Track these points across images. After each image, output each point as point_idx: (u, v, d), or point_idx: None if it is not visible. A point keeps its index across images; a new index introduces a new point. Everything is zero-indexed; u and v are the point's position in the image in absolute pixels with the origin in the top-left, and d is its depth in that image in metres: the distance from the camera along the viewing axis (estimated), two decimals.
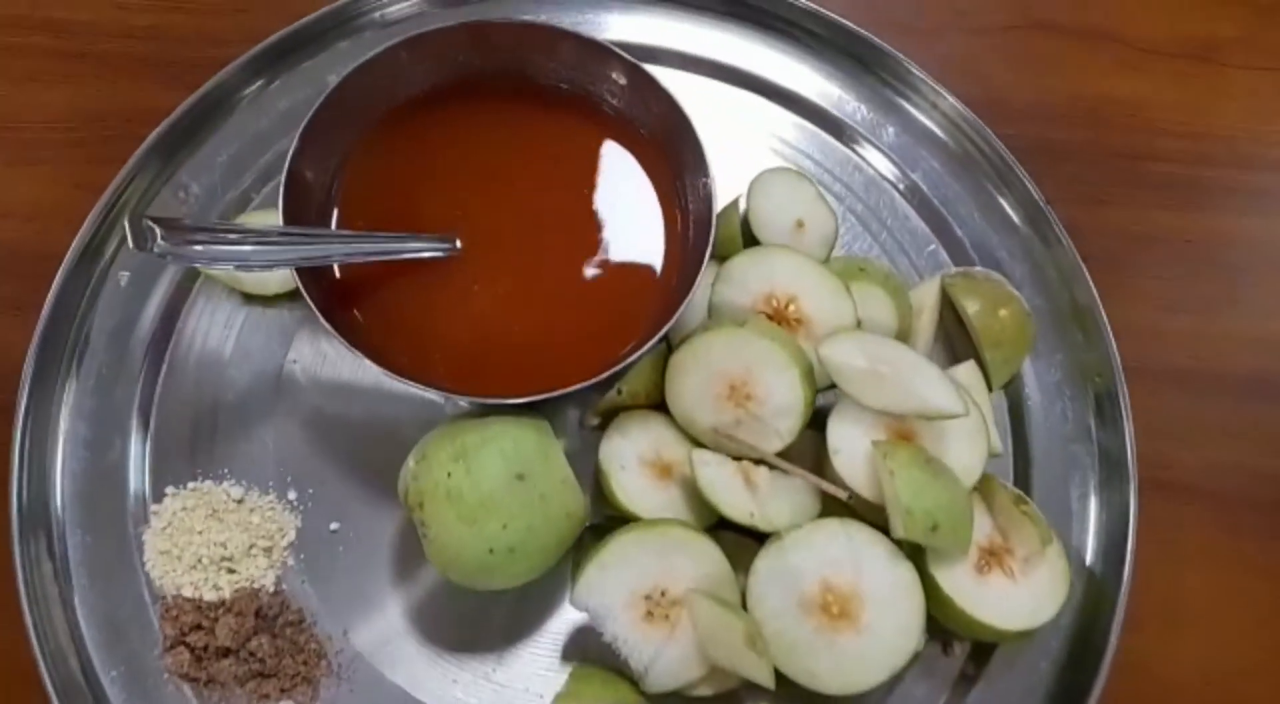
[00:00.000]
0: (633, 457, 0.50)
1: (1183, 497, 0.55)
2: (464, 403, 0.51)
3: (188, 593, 0.48)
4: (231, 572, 0.48)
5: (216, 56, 0.59)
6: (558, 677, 0.48)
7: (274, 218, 0.48)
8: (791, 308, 0.52)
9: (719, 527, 0.49)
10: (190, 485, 0.51)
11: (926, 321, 0.55)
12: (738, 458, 0.50)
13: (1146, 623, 0.52)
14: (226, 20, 0.65)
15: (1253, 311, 0.61)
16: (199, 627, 0.46)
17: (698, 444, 0.50)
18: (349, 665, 0.48)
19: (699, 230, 0.50)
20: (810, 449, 0.51)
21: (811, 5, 0.62)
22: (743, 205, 0.56)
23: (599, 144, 0.53)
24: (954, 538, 0.46)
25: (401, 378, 0.45)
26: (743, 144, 0.60)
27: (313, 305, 0.46)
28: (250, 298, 0.55)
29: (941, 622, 0.48)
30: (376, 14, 0.62)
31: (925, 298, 0.56)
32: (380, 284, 0.51)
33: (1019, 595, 0.47)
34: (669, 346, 0.51)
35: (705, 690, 0.47)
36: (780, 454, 0.49)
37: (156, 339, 0.54)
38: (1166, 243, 0.62)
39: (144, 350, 0.53)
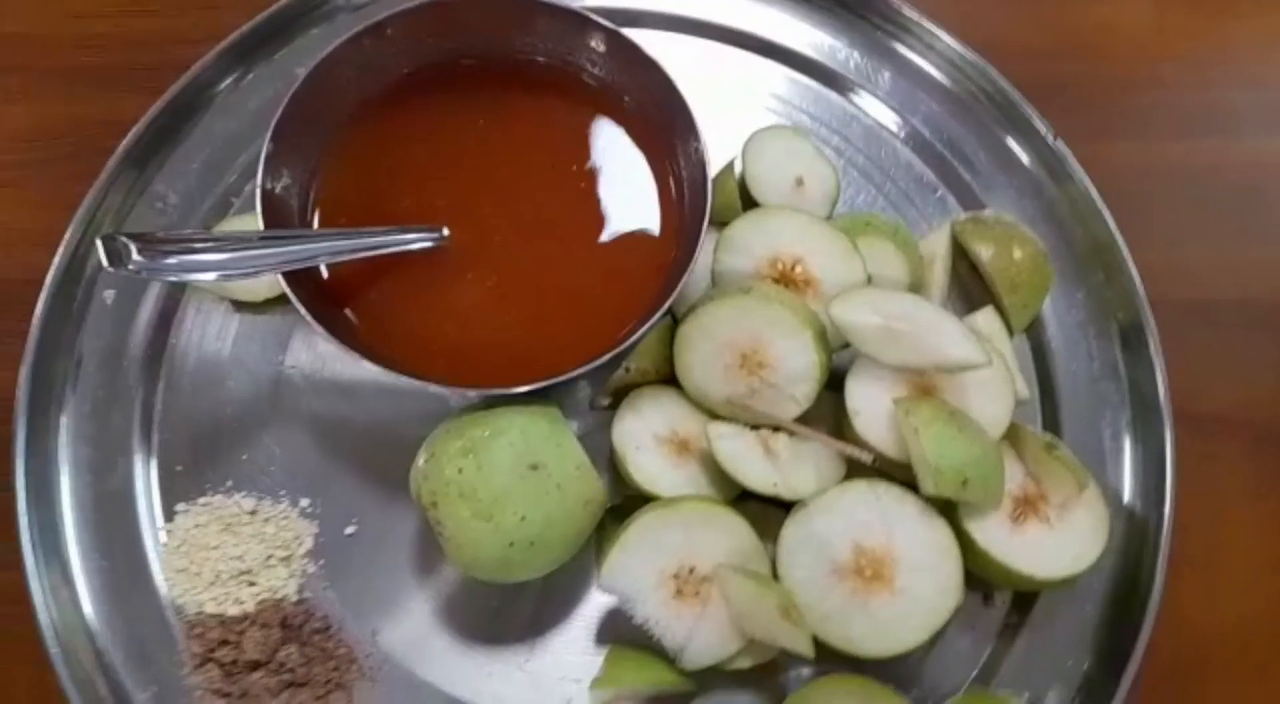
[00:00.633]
0: (648, 435, 0.49)
1: (1217, 430, 0.54)
2: (471, 394, 0.50)
3: (210, 609, 0.47)
4: (252, 584, 0.47)
5: (183, 57, 0.57)
6: (593, 660, 0.47)
7: (257, 222, 0.46)
8: (798, 269, 0.50)
9: (742, 498, 0.48)
10: (201, 501, 0.50)
11: (939, 271, 0.53)
12: (755, 427, 0.48)
13: (1188, 564, 0.51)
14: (191, 19, 0.62)
15: (1275, 236, 0.59)
16: (225, 642, 0.46)
17: (713, 417, 0.49)
18: (380, 667, 0.47)
19: (695, 197, 0.48)
20: (830, 412, 0.49)
21: None
22: (739, 168, 0.54)
23: (584, 118, 0.51)
24: (985, 491, 0.44)
25: (401, 374, 0.44)
26: (734, 104, 0.57)
27: (302, 309, 0.44)
28: (241, 305, 0.53)
29: (980, 575, 0.47)
30: None
31: (936, 247, 0.54)
32: (370, 282, 0.49)
33: (1058, 543, 0.46)
34: (675, 320, 0.50)
35: (744, 663, 0.46)
36: (798, 420, 0.48)
37: (149, 356, 0.52)
38: (1180, 172, 0.60)
39: (138, 369, 0.52)
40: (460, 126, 0.51)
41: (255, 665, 0.46)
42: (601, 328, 0.47)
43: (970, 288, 0.54)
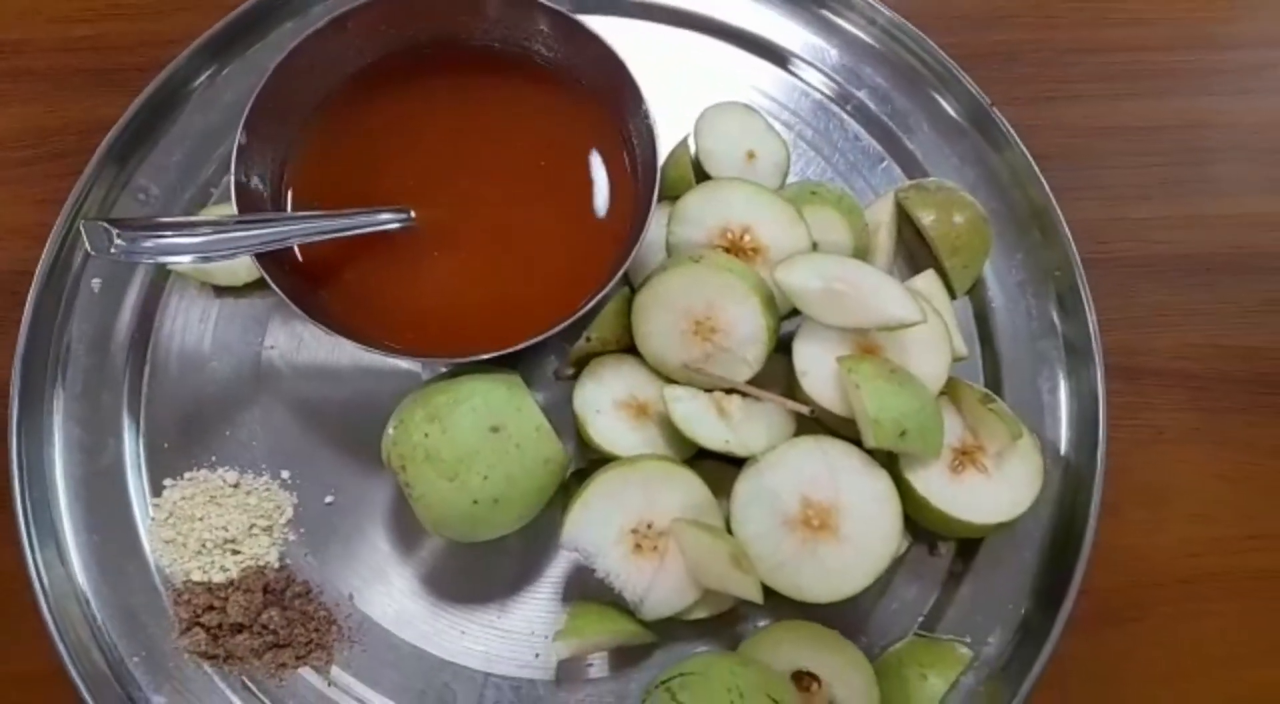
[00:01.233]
0: (607, 400, 0.51)
1: (1156, 380, 0.56)
2: (442, 367, 0.53)
3: (196, 577, 0.49)
4: (236, 552, 0.50)
5: (161, 58, 0.59)
6: (559, 618, 0.50)
7: (233, 210, 0.49)
8: (747, 238, 0.52)
9: (697, 458, 0.50)
10: (187, 475, 0.52)
11: (884, 237, 0.56)
12: (709, 390, 0.51)
13: (1129, 507, 0.54)
14: (168, 21, 0.65)
15: (1219, 191, 0.61)
16: (211, 607, 0.48)
17: (670, 382, 0.51)
18: (359, 628, 0.50)
19: (646, 170, 0.51)
20: (781, 374, 0.52)
21: None
22: (692, 145, 0.56)
23: (539, 98, 0.54)
24: (924, 442, 0.47)
25: (371, 347, 0.47)
26: (686, 84, 0.60)
27: (277, 288, 0.47)
28: (222, 290, 0.56)
29: (923, 524, 0.49)
30: None
31: (881, 214, 0.56)
32: (342, 264, 0.51)
33: (994, 490, 0.48)
34: (632, 290, 0.53)
35: (701, 613, 0.48)
36: (750, 382, 0.50)
37: (136, 340, 0.55)
38: (1126, 133, 0.62)
39: (125, 353, 0.55)
40: (423, 112, 0.53)
41: (239, 628, 0.48)
42: (562, 298, 0.50)
43: (915, 253, 0.56)
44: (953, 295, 0.55)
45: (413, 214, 0.51)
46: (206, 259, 0.52)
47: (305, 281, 0.51)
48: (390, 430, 0.47)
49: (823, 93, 0.60)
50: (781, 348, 0.51)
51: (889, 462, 0.48)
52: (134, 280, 0.56)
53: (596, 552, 0.47)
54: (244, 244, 0.48)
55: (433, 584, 0.51)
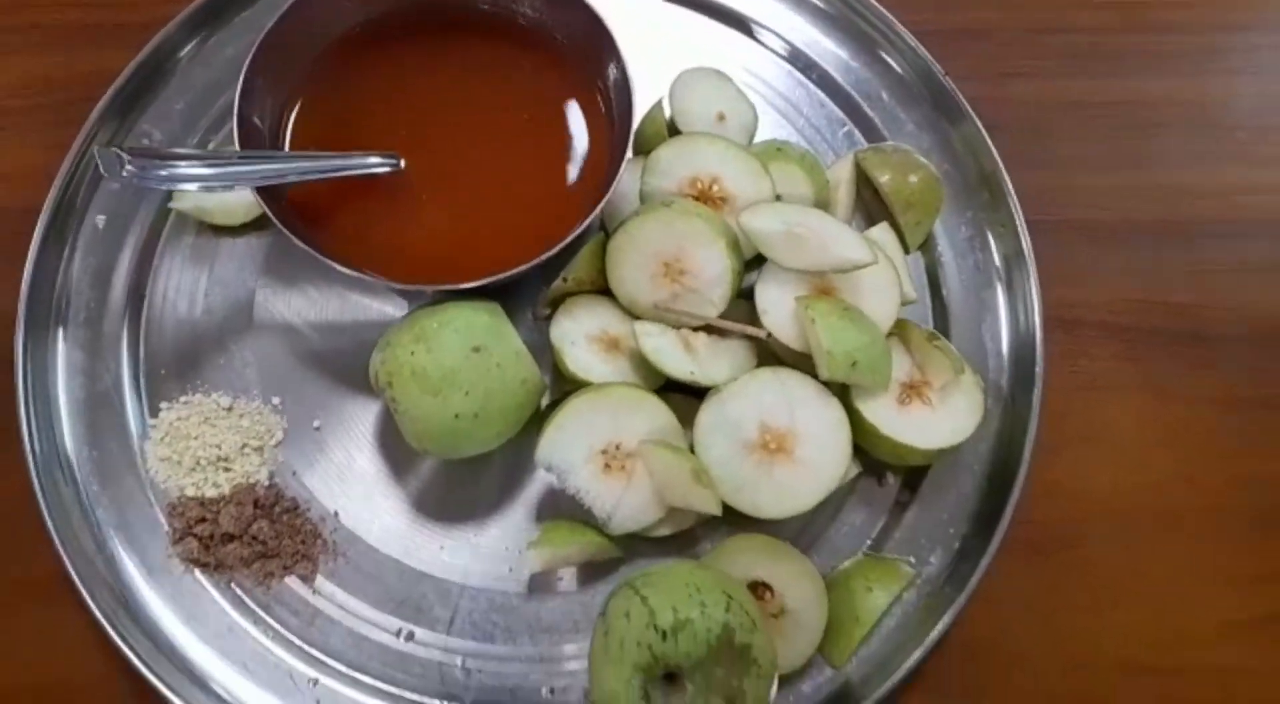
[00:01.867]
0: (581, 334, 0.55)
1: (1094, 331, 0.61)
2: (428, 295, 0.56)
3: (190, 492, 0.53)
4: (228, 470, 0.53)
5: (167, 14, 0.63)
6: (532, 534, 0.53)
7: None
8: (715, 188, 0.56)
9: (664, 390, 0.54)
10: (182, 399, 0.55)
11: (844, 195, 0.60)
12: (678, 327, 0.54)
13: (1065, 447, 0.58)
14: None
15: (1163, 165, 0.66)
16: (203, 519, 0.51)
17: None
18: (344, 543, 0.53)
19: (622, 121, 0.54)
20: (744, 317, 0.56)
21: None
22: (667, 107, 0.60)
23: (522, 57, 0.57)
24: (873, 374, 0.51)
25: (361, 272, 0.50)
26: (663, 51, 0.63)
27: (274, 218, 0.50)
28: (219, 230, 0.59)
29: (871, 452, 0.53)
30: None
31: (841, 173, 0.60)
32: (335, 207, 0.55)
33: (937, 419, 0.52)
34: (607, 235, 0.56)
35: (664, 531, 0.52)
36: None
37: (136, 275, 0.58)
38: (1080, 109, 0.67)
39: (126, 286, 0.58)
40: (413, 66, 0.57)
41: (229, 538, 0.51)
42: (541, 239, 0.53)
43: (872, 210, 0.60)
44: (906, 250, 0.59)
45: (401, 161, 0.55)
46: (209, 188, 0.55)
47: (300, 220, 0.54)
48: (378, 353, 0.51)
49: (789, 62, 0.64)
50: (744, 295, 0.55)
51: (842, 393, 0.52)
52: (136, 218, 0.59)
53: (569, 470, 0.51)
54: (245, 177, 0.51)
55: (414, 503, 0.54)
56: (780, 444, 0.50)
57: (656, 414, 0.52)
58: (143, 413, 0.55)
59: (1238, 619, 0.55)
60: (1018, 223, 0.59)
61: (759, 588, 0.50)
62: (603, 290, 0.56)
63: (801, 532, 0.53)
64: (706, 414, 0.51)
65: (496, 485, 0.55)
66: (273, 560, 0.51)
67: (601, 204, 0.52)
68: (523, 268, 0.50)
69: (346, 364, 0.56)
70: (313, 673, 0.51)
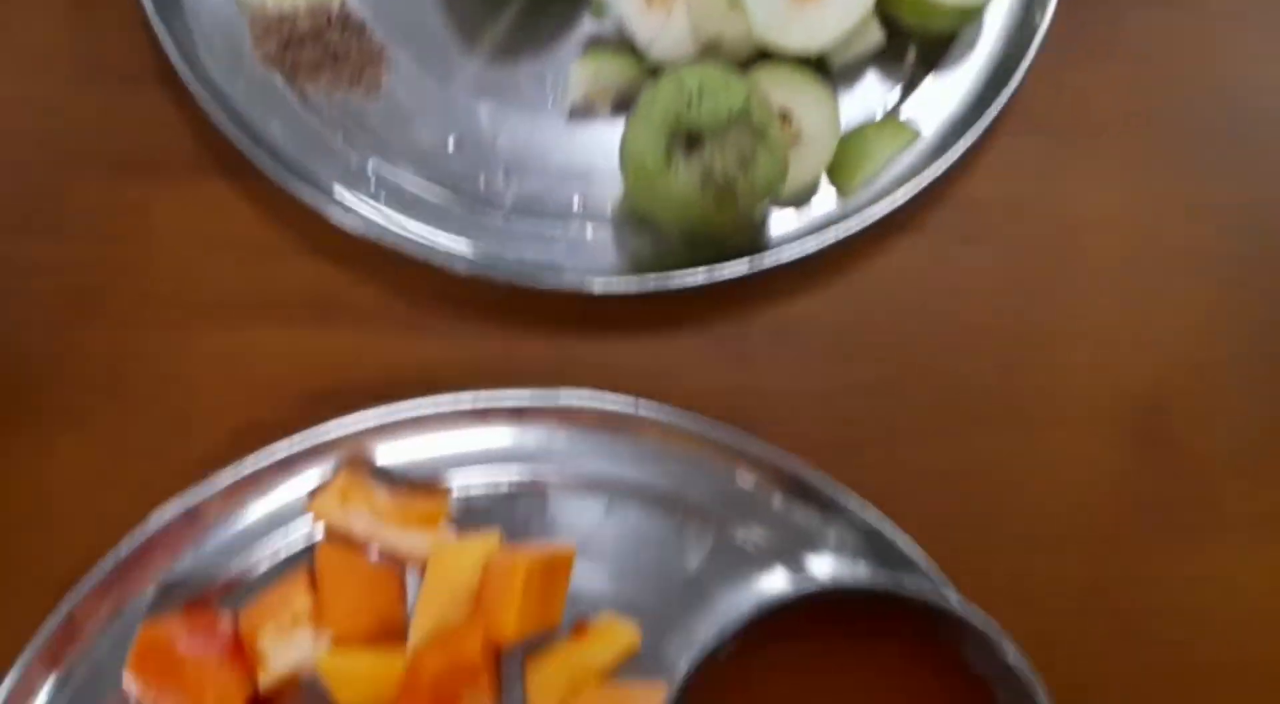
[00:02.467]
0: None
1: None
2: None
3: (271, 9, 0.58)
4: None
5: None
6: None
7: None
8: None
9: None
10: None
11: None
12: None
13: (1078, 51, 0.61)
14: None
15: None
16: (282, 22, 0.57)
17: None
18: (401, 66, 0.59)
19: None
20: None
21: None
22: None
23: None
24: None
25: None
26: None
27: None
28: None
29: (898, 15, 0.57)
30: None
31: None
32: None
33: None
34: None
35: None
36: None
37: None
38: None
39: None
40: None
41: (304, 41, 0.57)
42: None
43: None
44: None
45: None
46: None
47: None
48: None
49: None
50: None
51: None
52: None
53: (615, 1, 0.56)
54: None
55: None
56: None
57: None
58: None
59: None
60: None
61: (780, 118, 0.55)
62: None
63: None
64: None
65: (543, 29, 0.59)
66: (343, 67, 0.57)
67: None
68: None
69: None
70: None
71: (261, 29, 0.57)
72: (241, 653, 0.49)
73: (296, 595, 0.50)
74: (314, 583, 0.50)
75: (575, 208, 0.57)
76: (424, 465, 0.53)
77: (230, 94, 0.57)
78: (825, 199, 0.57)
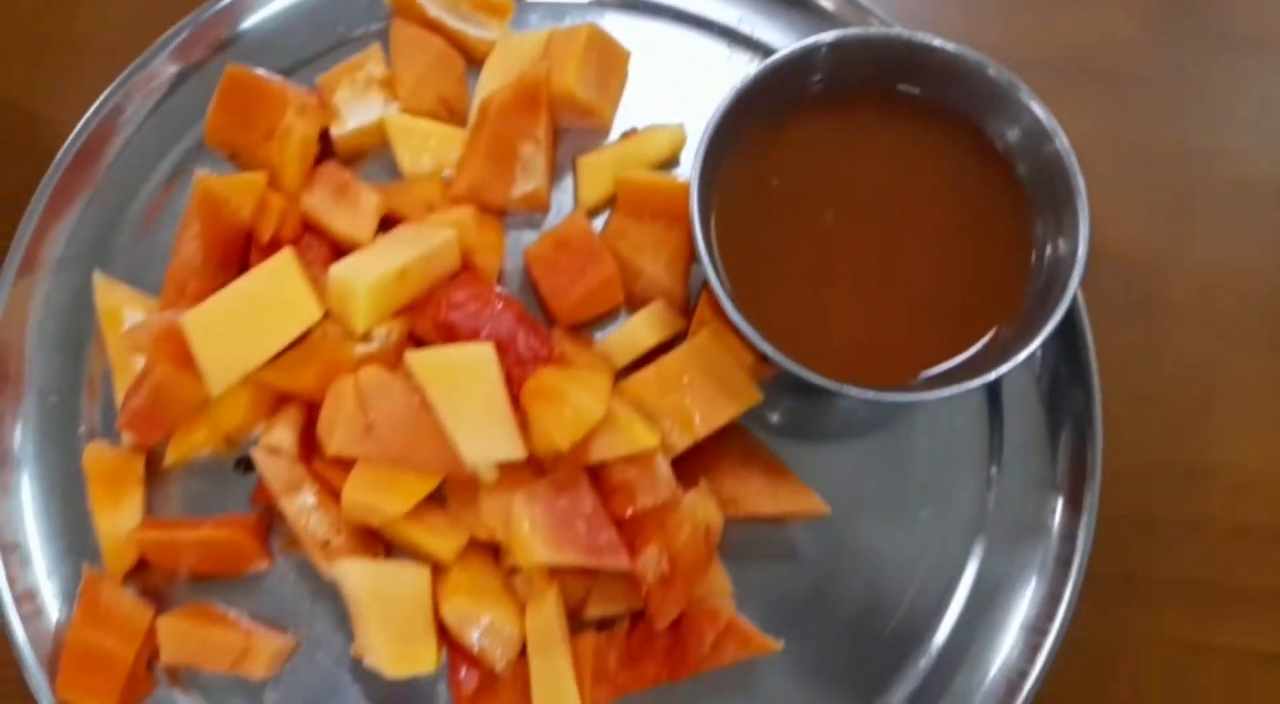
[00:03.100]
0: None
1: None
2: None
3: None
4: None
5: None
6: None
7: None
8: None
9: None
10: None
11: None
12: None
13: None
14: None
15: None
16: None
17: None
18: None
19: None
20: None
21: None
22: None
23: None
24: None
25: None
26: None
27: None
28: None
29: None
30: None
31: None
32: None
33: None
34: None
35: None
36: None
37: None
38: None
39: None
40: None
41: None
42: None
43: None
44: None
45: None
46: None
47: None
48: None
49: None
50: None
51: None
52: None
53: None
54: None
55: None
56: None
57: None
58: None
59: None
60: None
61: None
62: None
63: None
64: None
65: None
66: None
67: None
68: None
69: None
70: None
71: None
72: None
73: (370, 61, 0.53)
74: (388, 57, 0.54)
75: None
76: None
77: None
78: None
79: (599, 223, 0.54)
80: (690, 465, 0.50)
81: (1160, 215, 0.58)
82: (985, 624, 0.51)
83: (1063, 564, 0.52)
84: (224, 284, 0.48)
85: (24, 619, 0.50)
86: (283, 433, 0.48)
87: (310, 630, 0.51)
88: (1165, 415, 0.56)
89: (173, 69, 0.55)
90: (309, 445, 0.50)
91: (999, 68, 0.47)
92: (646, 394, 0.49)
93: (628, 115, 0.56)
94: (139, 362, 0.50)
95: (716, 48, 0.58)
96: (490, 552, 0.50)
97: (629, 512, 0.47)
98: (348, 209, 0.51)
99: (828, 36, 0.48)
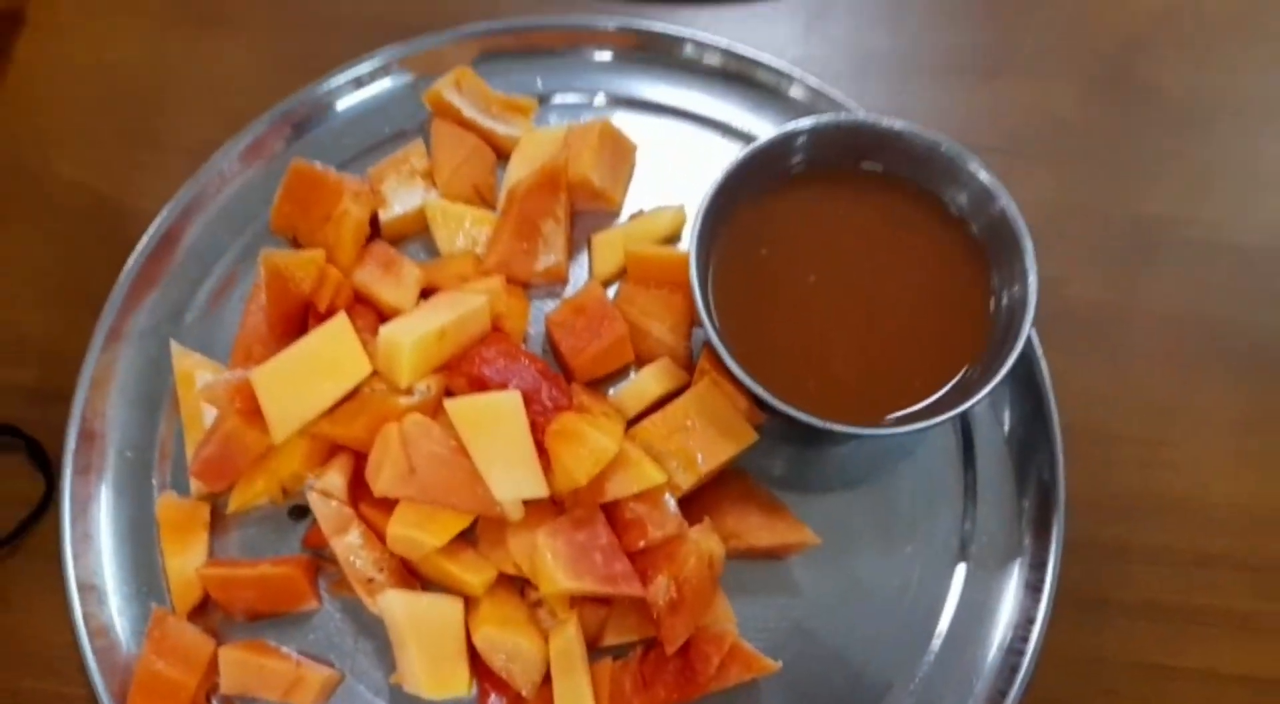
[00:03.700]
0: None
1: None
2: None
3: None
4: None
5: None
6: None
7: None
8: None
9: None
10: None
11: None
12: None
13: None
14: None
15: None
16: None
17: None
18: None
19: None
20: None
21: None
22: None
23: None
24: None
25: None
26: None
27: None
28: None
29: None
30: None
31: None
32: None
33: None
34: None
35: None
36: None
37: None
38: None
39: None
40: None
41: None
42: None
43: None
44: None
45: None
46: None
47: None
48: None
49: None
50: None
51: None
52: None
53: None
54: None
55: None
56: None
57: None
58: None
59: None
60: None
61: None
62: None
63: None
64: None
65: None
66: None
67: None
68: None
69: None
70: None
71: None
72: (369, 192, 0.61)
73: (414, 155, 0.62)
74: (429, 152, 0.63)
75: None
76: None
77: None
78: None
79: (611, 291, 0.61)
80: (695, 505, 0.56)
81: (1118, 268, 0.65)
82: (967, 646, 0.56)
83: (1034, 589, 0.56)
84: None
85: (97, 652, 0.56)
86: (335, 478, 0.55)
87: (353, 664, 0.56)
88: (1130, 450, 0.61)
89: (240, 165, 0.64)
90: (357, 491, 0.56)
91: (950, 142, 0.54)
92: (654, 437, 0.54)
93: (635, 198, 0.64)
94: (208, 419, 0.57)
95: (711, 139, 0.66)
96: (516, 586, 0.55)
97: (640, 544, 0.52)
98: (393, 281, 0.58)
99: (805, 123, 0.55)
